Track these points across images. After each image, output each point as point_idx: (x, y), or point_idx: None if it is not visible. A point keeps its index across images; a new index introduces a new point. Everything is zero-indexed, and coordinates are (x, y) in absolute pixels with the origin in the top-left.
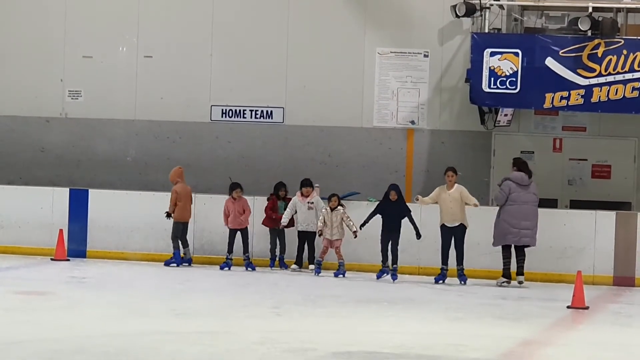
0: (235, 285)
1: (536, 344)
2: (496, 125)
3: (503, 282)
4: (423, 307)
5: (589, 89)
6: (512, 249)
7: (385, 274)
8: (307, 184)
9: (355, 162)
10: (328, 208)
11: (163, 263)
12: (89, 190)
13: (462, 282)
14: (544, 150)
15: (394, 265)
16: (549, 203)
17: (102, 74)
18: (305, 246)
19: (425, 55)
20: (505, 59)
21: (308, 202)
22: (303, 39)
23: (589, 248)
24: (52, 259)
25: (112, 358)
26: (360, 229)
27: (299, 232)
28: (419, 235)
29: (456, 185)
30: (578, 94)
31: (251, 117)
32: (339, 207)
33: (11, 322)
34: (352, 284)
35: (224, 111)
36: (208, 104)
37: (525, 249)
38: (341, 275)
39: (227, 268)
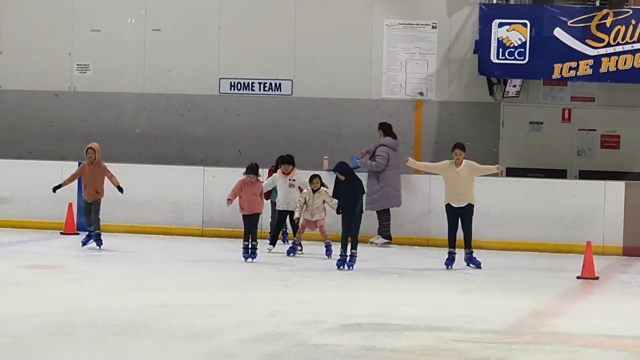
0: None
1: (546, 314)
2: (505, 96)
3: (385, 243)
4: (432, 279)
5: (597, 59)
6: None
7: (344, 264)
8: (286, 160)
9: (364, 134)
10: (310, 189)
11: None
12: None
13: (474, 266)
14: (553, 120)
15: (353, 250)
16: (558, 173)
17: (110, 47)
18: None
19: (434, 27)
20: (513, 29)
21: (289, 180)
22: (311, 11)
23: (598, 218)
24: (61, 233)
25: (122, 331)
26: (338, 213)
27: (278, 211)
28: (360, 211)
29: (464, 161)
30: (587, 65)
31: (260, 90)
32: (321, 188)
33: (20, 296)
34: (361, 256)
35: (233, 84)
36: (217, 76)
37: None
38: (329, 257)
39: (248, 258)
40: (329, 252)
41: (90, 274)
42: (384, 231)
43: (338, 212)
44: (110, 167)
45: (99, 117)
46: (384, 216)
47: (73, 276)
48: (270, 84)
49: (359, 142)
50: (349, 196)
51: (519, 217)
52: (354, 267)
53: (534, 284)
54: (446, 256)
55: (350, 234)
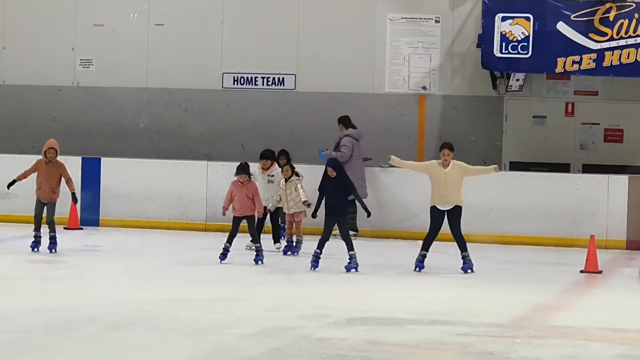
0: (248, 253)
1: (549, 308)
2: (508, 90)
3: (352, 235)
4: (436, 273)
5: (600, 53)
6: None
7: (318, 265)
8: (265, 155)
9: (368, 129)
10: (282, 180)
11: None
12: (101, 158)
13: (470, 271)
14: (556, 114)
15: (351, 252)
16: (562, 167)
17: (113, 42)
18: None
19: (437, 21)
20: (516, 23)
21: (268, 175)
22: (314, 5)
23: (601, 212)
24: (65, 228)
25: (125, 326)
26: (313, 217)
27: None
28: (368, 214)
29: (453, 162)
30: (590, 58)
31: (263, 84)
32: (292, 176)
33: (24, 291)
34: (366, 251)
35: (236, 78)
36: (220, 71)
37: None
38: (295, 254)
39: (224, 260)
40: (297, 249)
41: (93, 268)
42: (351, 223)
43: (313, 216)
44: (114, 162)
45: (102, 111)
46: (350, 207)
47: (76, 271)
48: (274, 78)
49: (363, 135)
50: (335, 194)
51: (522, 211)
52: (357, 268)
53: (537, 278)
54: (418, 257)
55: (341, 236)
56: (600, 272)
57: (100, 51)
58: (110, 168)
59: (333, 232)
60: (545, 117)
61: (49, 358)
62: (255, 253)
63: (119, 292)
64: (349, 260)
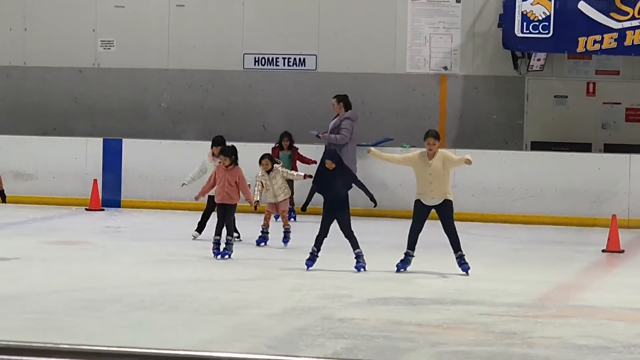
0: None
1: (571, 288)
2: (529, 70)
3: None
4: None
5: (622, 32)
6: None
7: (313, 264)
8: (216, 142)
9: (389, 109)
10: (262, 172)
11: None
12: (123, 140)
13: (465, 272)
14: (578, 94)
15: (357, 250)
16: (583, 147)
17: (134, 23)
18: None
19: (458, 1)
20: (537, 3)
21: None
22: None
23: (623, 192)
24: (86, 209)
25: (147, 307)
26: (303, 210)
27: (209, 196)
28: (375, 203)
29: (439, 151)
30: (611, 38)
31: (284, 65)
32: (274, 166)
33: (46, 273)
34: (386, 230)
35: (257, 59)
36: (241, 52)
37: None
38: (286, 244)
39: (218, 254)
40: (286, 239)
41: (115, 249)
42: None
43: (303, 209)
44: (135, 143)
45: (123, 93)
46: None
47: (98, 252)
48: (295, 59)
49: (384, 116)
50: (334, 187)
51: (544, 191)
52: (365, 267)
53: (559, 257)
54: (401, 257)
55: (344, 233)
56: (622, 251)
57: (122, 32)
58: (132, 149)
59: None
60: (567, 96)
61: (72, 338)
62: (224, 245)
63: (141, 272)
64: (356, 260)
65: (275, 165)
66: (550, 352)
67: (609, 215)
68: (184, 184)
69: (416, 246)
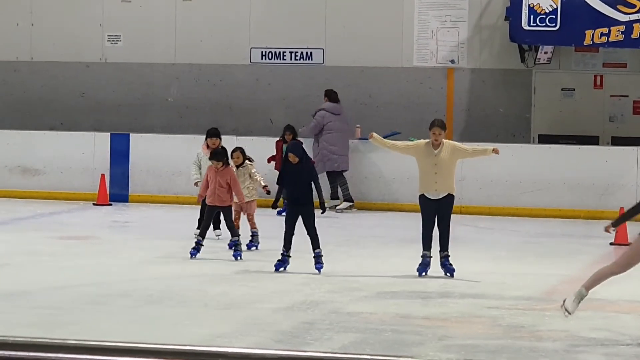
0: (278, 227)
1: (579, 281)
2: (536, 63)
3: (349, 206)
4: (466, 247)
5: (629, 25)
6: None
7: (285, 266)
8: (211, 133)
9: (396, 103)
10: (232, 164)
11: None
12: (130, 134)
13: (449, 275)
14: (585, 87)
15: (317, 250)
16: (591, 140)
17: (141, 18)
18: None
19: None
20: None
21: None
22: None
23: (631, 184)
24: (94, 204)
25: (156, 301)
26: (273, 207)
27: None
28: (323, 209)
29: (445, 142)
30: (618, 30)
31: (291, 59)
32: (245, 162)
33: (54, 267)
34: (393, 224)
35: (264, 53)
36: (248, 46)
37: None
38: (254, 248)
39: (195, 255)
40: (252, 243)
41: (123, 244)
42: (345, 194)
43: (273, 207)
44: (143, 137)
45: (130, 87)
46: (339, 180)
47: (106, 247)
48: (302, 52)
49: (391, 110)
50: (296, 184)
51: (551, 183)
52: (321, 269)
53: (567, 250)
54: (419, 260)
55: (307, 233)
56: (630, 244)
57: (128, 27)
58: (139, 144)
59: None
60: (574, 89)
61: (81, 333)
62: (233, 248)
63: (149, 267)
64: (315, 260)
65: (247, 161)
66: (558, 345)
67: (617, 207)
68: (195, 183)
69: (432, 244)
